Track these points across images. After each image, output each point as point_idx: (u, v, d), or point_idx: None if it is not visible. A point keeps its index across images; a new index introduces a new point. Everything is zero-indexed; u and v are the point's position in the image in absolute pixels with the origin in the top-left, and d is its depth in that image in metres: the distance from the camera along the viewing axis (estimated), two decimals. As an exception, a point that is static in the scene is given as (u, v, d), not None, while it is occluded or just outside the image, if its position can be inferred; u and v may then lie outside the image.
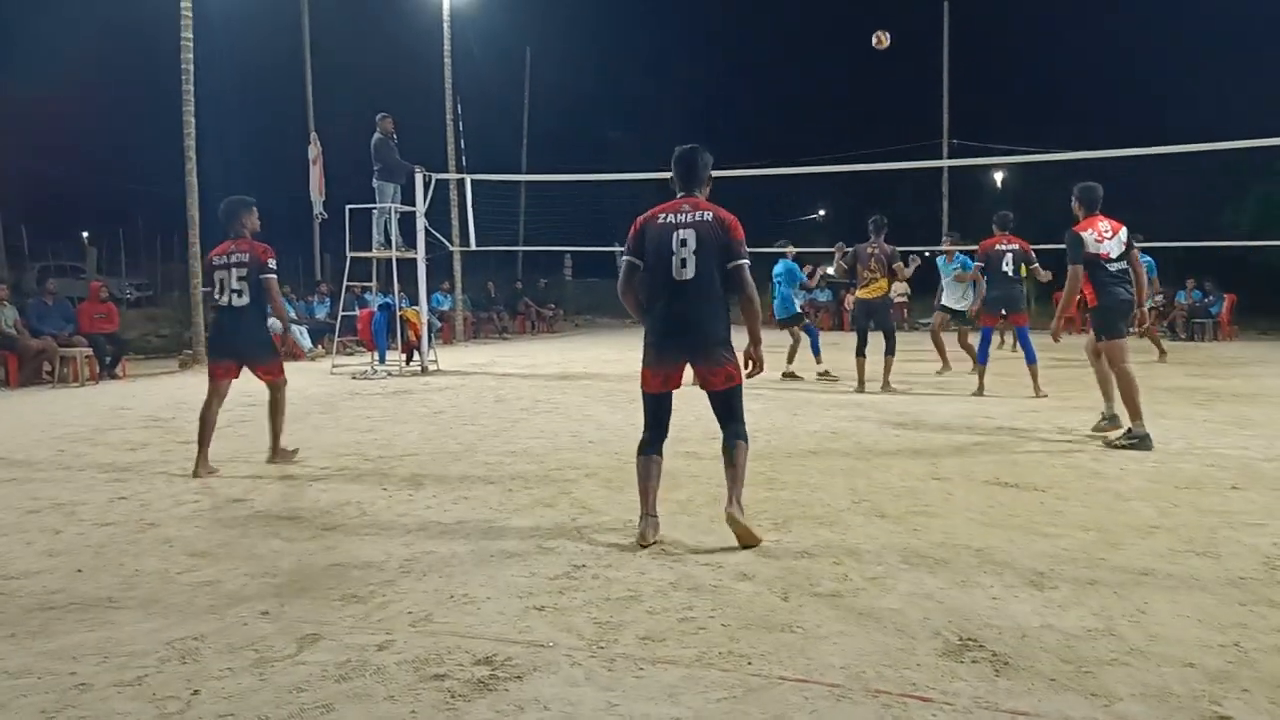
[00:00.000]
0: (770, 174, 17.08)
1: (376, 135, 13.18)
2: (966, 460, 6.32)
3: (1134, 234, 7.30)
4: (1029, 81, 35.27)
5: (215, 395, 6.35)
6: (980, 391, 9.74)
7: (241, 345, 6.36)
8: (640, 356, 4.57)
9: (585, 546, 4.32)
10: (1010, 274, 9.78)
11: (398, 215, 13.34)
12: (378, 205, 13.24)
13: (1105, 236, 7.01)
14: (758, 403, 9.36)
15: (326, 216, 17.27)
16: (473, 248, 15.26)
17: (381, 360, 13.61)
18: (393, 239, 13.32)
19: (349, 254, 13.59)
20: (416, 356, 13.76)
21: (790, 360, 11.74)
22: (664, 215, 4.46)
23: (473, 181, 14.62)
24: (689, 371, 4.57)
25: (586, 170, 18.06)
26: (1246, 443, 6.88)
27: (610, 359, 14.44)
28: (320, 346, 16.65)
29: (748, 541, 4.27)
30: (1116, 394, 7.07)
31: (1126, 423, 6.85)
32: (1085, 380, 11.19)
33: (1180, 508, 4.96)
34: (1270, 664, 2.93)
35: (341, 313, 14.41)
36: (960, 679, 2.84)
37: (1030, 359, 9.69)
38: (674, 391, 4.54)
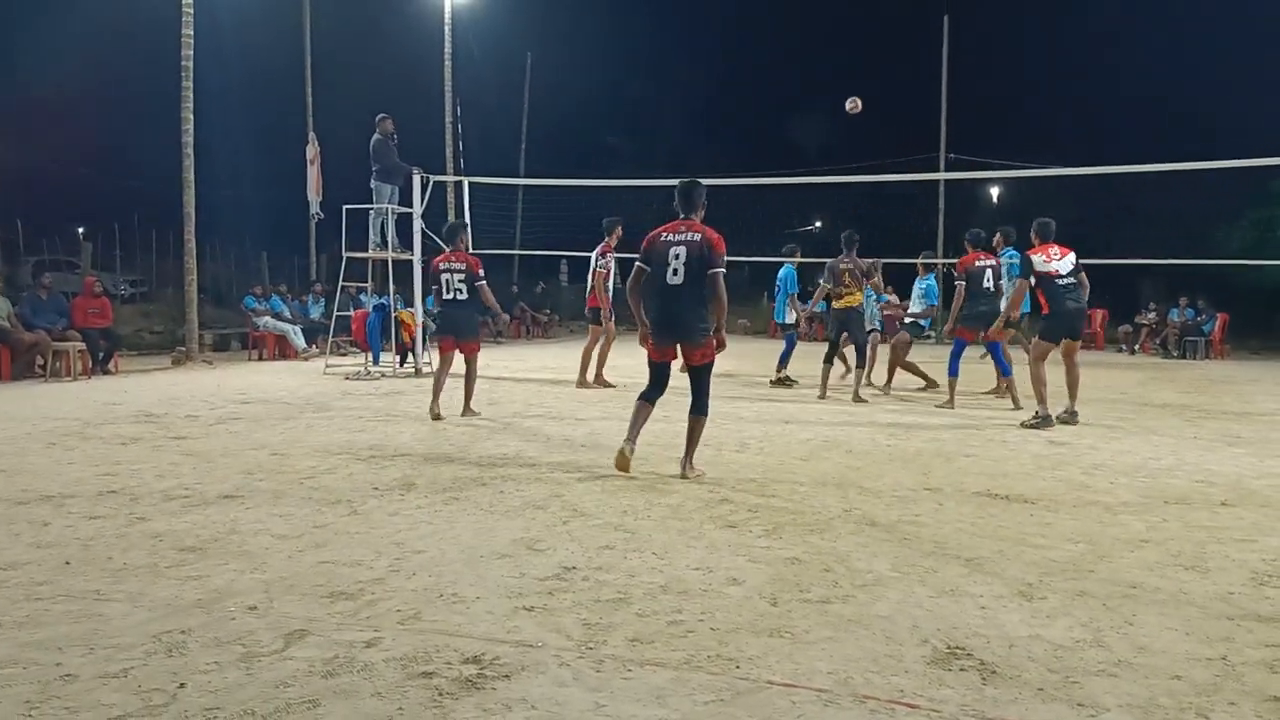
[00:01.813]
0: (766, 184, 17.12)
1: (376, 136, 13.17)
2: (957, 471, 6.33)
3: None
4: (1027, 97, 35.42)
5: (445, 363, 8.79)
6: (951, 404, 9.76)
7: (460, 329, 8.68)
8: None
9: (576, 549, 4.32)
10: (990, 290, 9.82)
11: (395, 216, 13.33)
12: (375, 206, 13.23)
13: (1054, 258, 8.48)
14: (750, 410, 9.37)
15: (323, 216, 17.26)
16: (470, 251, 15.21)
17: (375, 361, 13.58)
18: (389, 240, 13.31)
19: (345, 254, 13.57)
20: (410, 358, 13.74)
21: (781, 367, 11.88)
22: (666, 234, 5.85)
23: (470, 184, 14.61)
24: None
25: (585, 175, 18.08)
26: (1237, 460, 6.91)
27: (607, 365, 14.42)
28: (314, 346, 16.63)
29: (621, 467, 5.93)
30: (1073, 390, 8.62)
31: (1094, 418, 6.90)
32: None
33: (1169, 522, 4.98)
34: (1256, 678, 2.94)
35: (336, 313, 14.39)
36: (948, 687, 2.85)
37: (1005, 372, 9.94)
38: (671, 361, 6.01)
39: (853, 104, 11.68)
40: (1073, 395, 8.73)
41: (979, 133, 28.89)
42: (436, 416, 8.48)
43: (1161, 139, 24.53)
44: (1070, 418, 8.60)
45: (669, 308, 5.82)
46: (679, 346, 5.91)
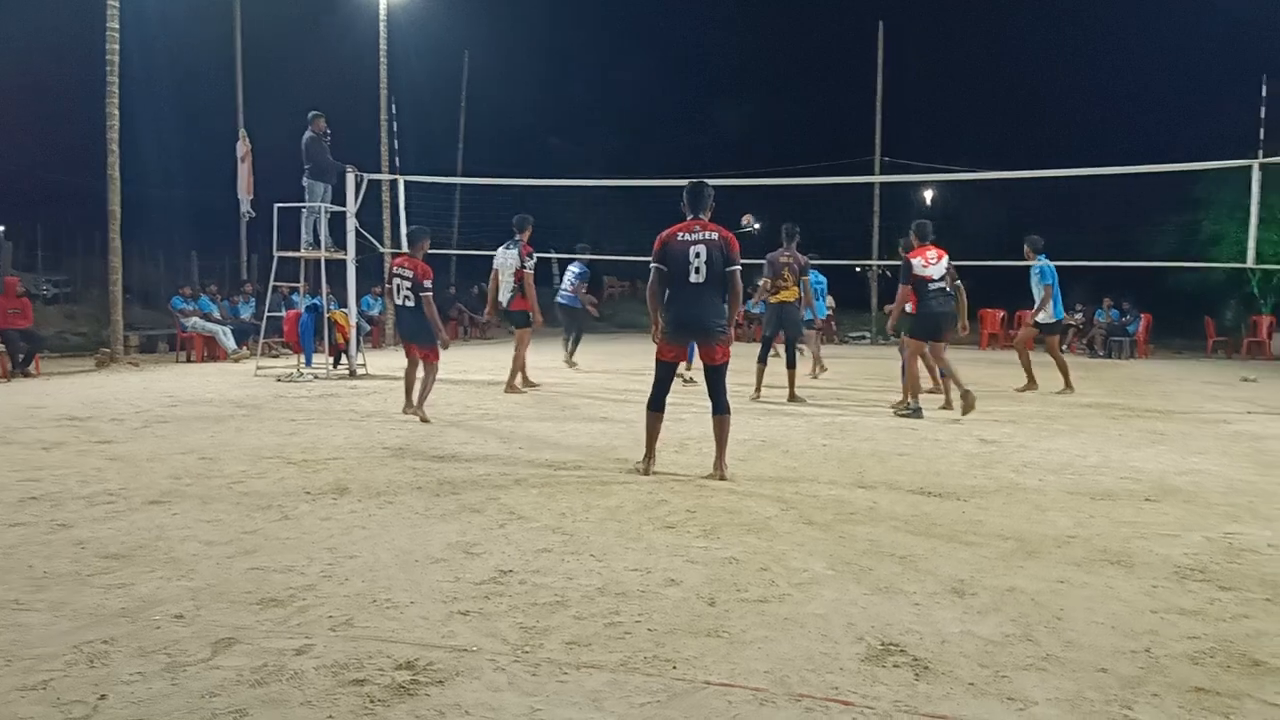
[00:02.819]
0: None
1: (308, 134, 12.94)
2: (891, 470, 6.42)
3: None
4: (961, 101, 36.10)
5: (411, 363, 8.97)
6: (949, 404, 9.81)
7: (414, 335, 8.73)
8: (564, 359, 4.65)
9: (513, 552, 4.28)
10: (944, 288, 9.87)
11: (328, 215, 13.11)
12: (307, 205, 13.00)
13: (930, 262, 9.03)
14: (688, 412, 9.40)
15: (254, 215, 16.90)
16: (405, 250, 15.03)
17: (308, 363, 13.35)
18: (322, 239, 13.08)
19: (276, 254, 13.32)
20: (344, 360, 13.53)
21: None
22: (682, 234, 5.89)
23: (406, 183, 14.43)
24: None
25: (525, 175, 17.95)
26: (1160, 457, 7.11)
27: (544, 366, 14.35)
28: (245, 348, 16.28)
29: (644, 472, 6.01)
30: (954, 377, 9.17)
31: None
32: (1007, 394, 11.47)
33: (1096, 519, 5.10)
34: (1179, 670, 3.02)
35: (267, 313, 14.11)
36: (881, 683, 2.88)
37: (943, 373, 9.99)
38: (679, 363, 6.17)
39: (748, 221, 11.86)
40: (946, 389, 9.55)
41: (913, 136, 29.38)
42: (410, 412, 8.66)
43: (1091, 145, 25.21)
44: (914, 413, 9.16)
45: (690, 308, 5.88)
46: (697, 346, 6.05)
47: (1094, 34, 32.78)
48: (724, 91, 35.74)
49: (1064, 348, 21.84)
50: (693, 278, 5.81)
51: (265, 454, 6.76)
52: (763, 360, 10.61)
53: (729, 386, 6.16)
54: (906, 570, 4.07)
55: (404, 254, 8.89)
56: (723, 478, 5.94)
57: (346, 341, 13.53)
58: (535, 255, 10.80)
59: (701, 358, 6.06)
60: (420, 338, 8.69)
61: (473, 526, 4.73)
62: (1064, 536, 4.70)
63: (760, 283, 10.91)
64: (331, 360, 13.55)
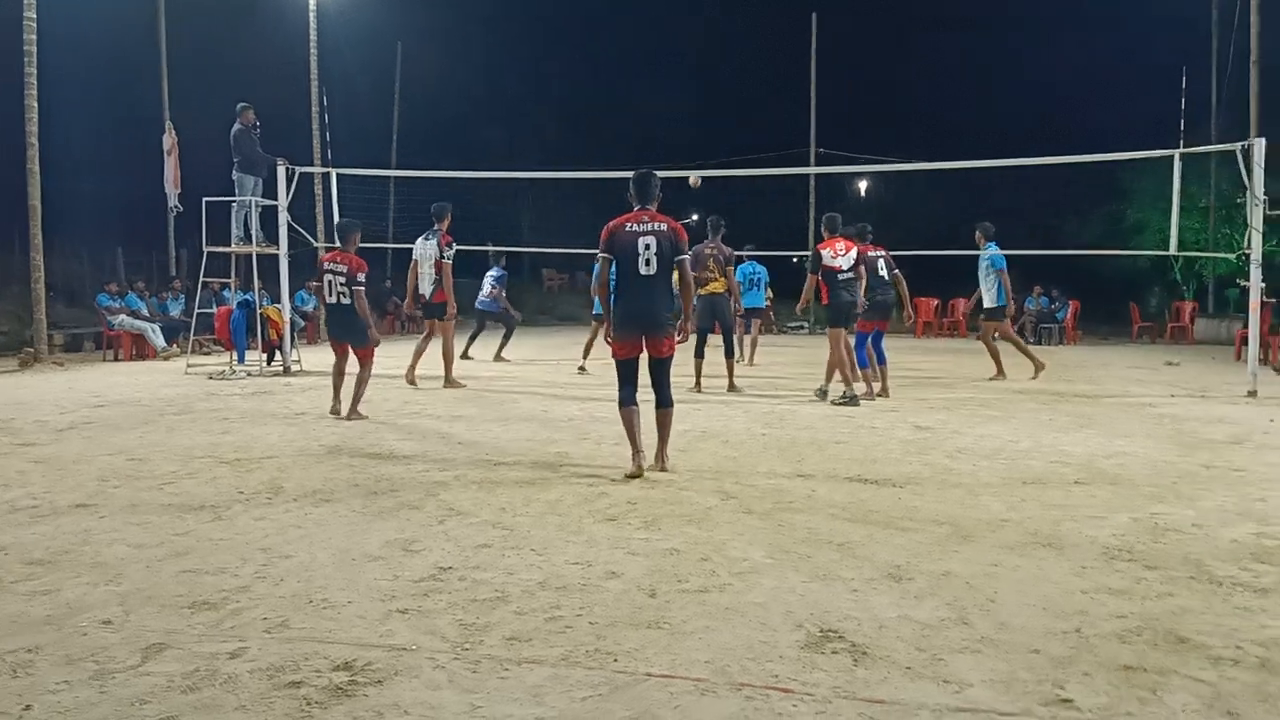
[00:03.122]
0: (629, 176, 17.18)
1: (237, 126, 12.67)
2: (829, 459, 6.49)
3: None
4: (893, 93, 36.57)
5: (340, 358, 8.65)
6: (871, 394, 9.81)
7: (348, 333, 8.45)
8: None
9: (452, 548, 4.24)
10: (885, 279, 10.05)
11: (259, 209, 12.85)
12: (237, 198, 12.73)
13: (839, 254, 9.37)
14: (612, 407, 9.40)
15: (182, 209, 16.51)
16: (338, 245, 14.80)
17: (240, 360, 13.09)
18: (253, 234, 12.82)
19: (206, 249, 13.02)
20: (278, 356, 13.28)
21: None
22: (630, 224, 5.78)
23: (339, 176, 14.19)
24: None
25: (462, 167, 17.79)
26: (1088, 441, 7.29)
27: (483, 359, 14.25)
28: (175, 345, 15.90)
29: (634, 475, 5.73)
30: (846, 371, 9.45)
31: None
32: (941, 381, 11.68)
33: (1027, 502, 5.21)
34: (1109, 648, 3.10)
35: (198, 310, 13.79)
36: (820, 670, 2.91)
37: (881, 360, 10.26)
38: (639, 356, 5.93)
39: (695, 180, 11.89)
40: (829, 376, 9.76)
41: (847, 128, 29.68)
42: (336, 412, 8.38)
43: (1023, 136, 25.71)
44: (821, 396, 9.67)
45: (640, 299, 5.78)
46: (644, 339, 5.87)
47: (1024, 26, 33.41)
48: (661, 83, 35.73)
49: (995, 334, 22.38)
50: (643, 269, 5.72)
51: (197, 454, 6.61)
52: (699, 354, 10.66)
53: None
54: (844, 557, 4.12)
55: (335, 249, 8.56)
56: (664, 469, 5.91)
57: (280, 338, 13.29)
58: (455, 245, 10.57)
59: (647, 349, 5.94)
60: (355, 336, 8.39)
61: (411, 524, 4.68)
62: (997, 520, 4.79)
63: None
64: (265, 357, 13.30)
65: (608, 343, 6.01)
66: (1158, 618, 3.38)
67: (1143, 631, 3.24)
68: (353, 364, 8.50)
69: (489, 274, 14.68)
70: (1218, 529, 4.63)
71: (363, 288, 8.29)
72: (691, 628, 3.27)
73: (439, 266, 10.39)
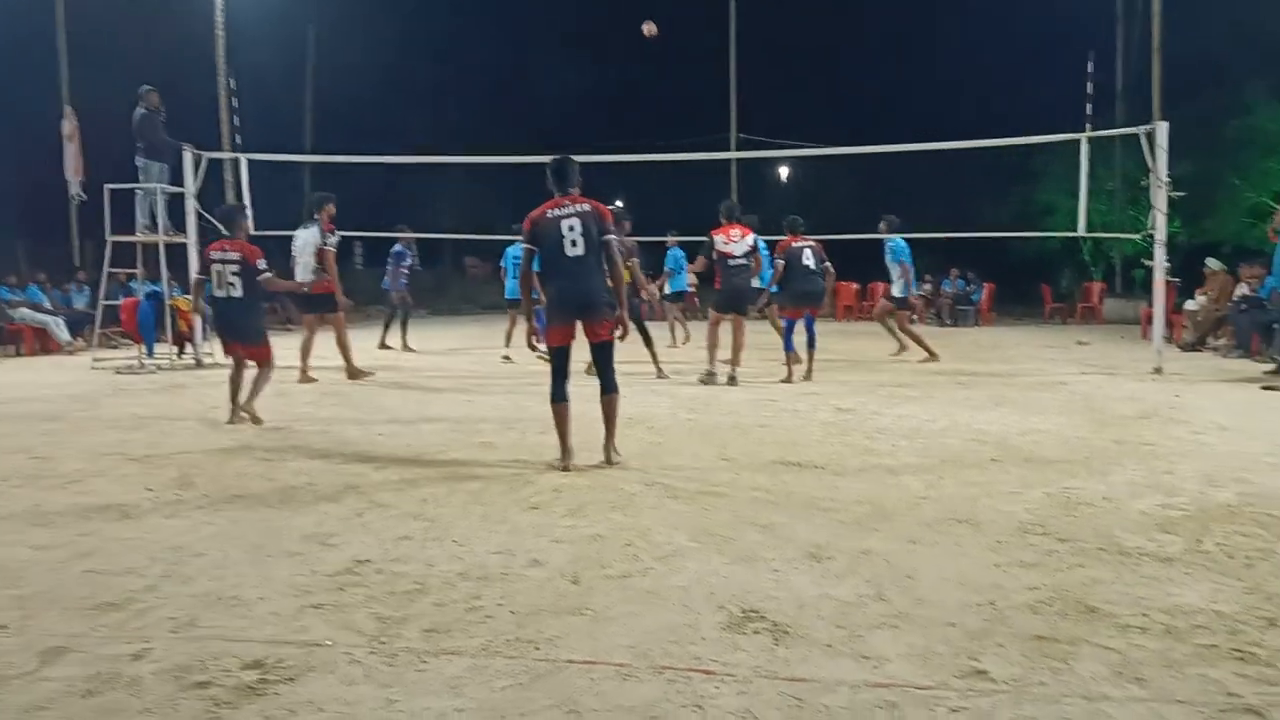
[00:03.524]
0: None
1: (140, 110, 12.20)
2: (753, 442, 6.53)
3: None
4: (814, 77, 36.93)
5: (237, 361, 7.61)
6: (790, 379, 9.93)
7: (240, 332, 7.56)
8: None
9: (371, 541, 4.15)
10: (811, 268, 10.08)
11: (165, 197, 12.41)
12: (142, 185, 12.28)
13: (733, 240, 9.58)
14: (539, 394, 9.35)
15: (85, 198, 15.84)
16: (251, 232, 14.40)
17: (149, 353, 12.65)
18: (160, 222, 12.38)
19: (110, 238, 12.55)
20: (189, 349, 12.88)
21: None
22: (551, 210, 5.63)
23: (249, 162, 13.79)
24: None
25: (378, 152, 17.43)
26: (1004, 419, 7.45)
27: (404, 349, 14.04)
28: (80, 339, 15.32)
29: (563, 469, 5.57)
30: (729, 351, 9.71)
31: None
32: (862, 364, 11.86)
33: (945, 480, 5.31)
34: (1022, 620, 3.17)
35: (103, 302, 13.29)
36: (742, 650, 2.91)
37: (811, 344, 10.32)
38: (571, 345, 5.70)
39: (649, 28, 11.79)
40: (735, 360, 9.82)
41: (768, 113, 29.89)
42: (238, 419, 7.43)
43: (939, 121, 26.18)
44: (731, 381, 9.69)
45: (572, 282, 5.56)
46: (582, 323, 5.63)
47: (938, 14, 34.00)
48: (581, 67, 35.52)
49: (912, 320, 22.83)
50: (569, 250, 5.54)
51: (104, 451, 6.37)
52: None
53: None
54: (766, 538, 4.14)
55: (222, 239, 7.69)
56: (611, 461, 5.70)
57: (191, 329, 12.88)
58: (338, 233, 10.11)
59: (585, 334, 5.70)
60: (248, 335, 7.51)
61: (329, 517, 4.57)
62: (915, 499, 4.87)
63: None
64: (175, 350, 12.89)
65: (530, 346, 5.86)
66: (1069, 589, 3.46)
67: (1054, 603, 3.32)
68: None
69: (391, 250, 14.50)
70: (1127, 501, 4.77)
71: (270, 272, 7.51)
72: (614, 613, 3.25)
73: (321, 254, 9.80)
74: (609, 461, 5.69)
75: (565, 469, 5.57)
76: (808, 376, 10.06)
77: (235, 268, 7.35)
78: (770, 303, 11.22)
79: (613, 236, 5.68)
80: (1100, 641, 2.97)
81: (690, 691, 2.63)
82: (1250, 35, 22.54)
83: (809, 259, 10.12)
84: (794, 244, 10.20)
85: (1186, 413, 7.73)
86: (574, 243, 5.55)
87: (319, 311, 10.22)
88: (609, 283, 5.68)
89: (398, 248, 14.44)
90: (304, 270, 9.88)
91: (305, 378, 10.11)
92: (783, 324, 10.61)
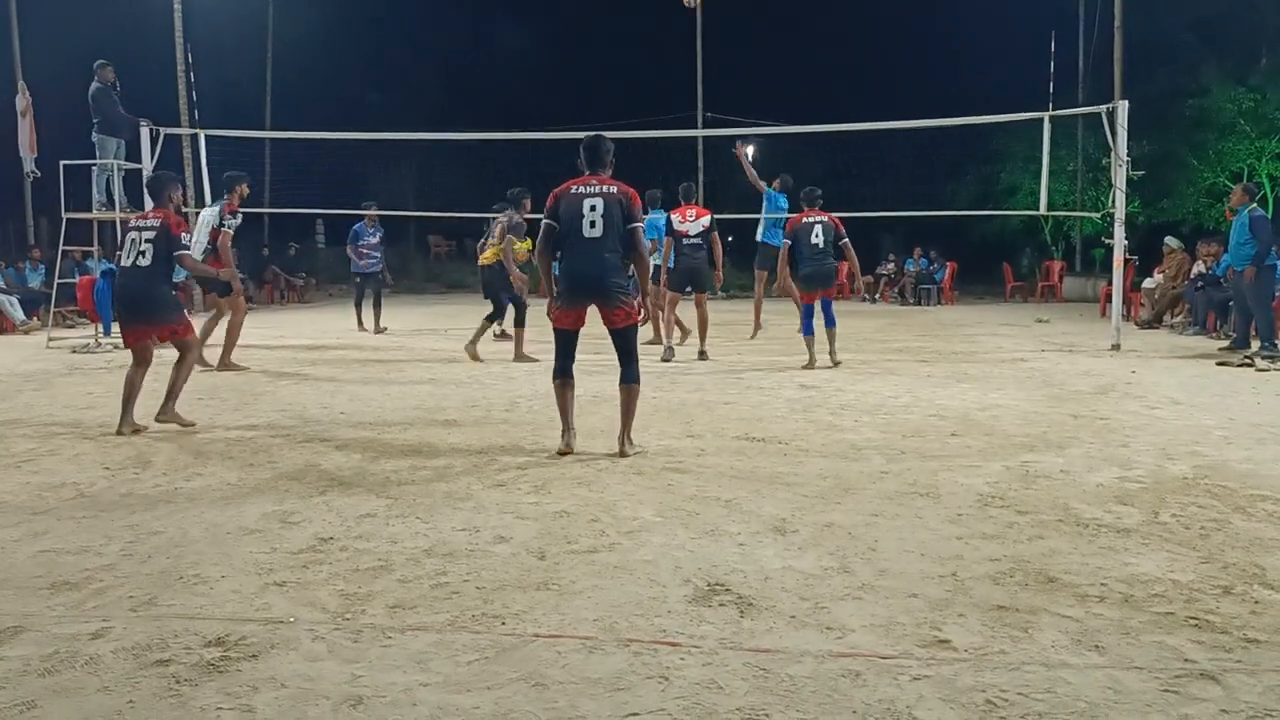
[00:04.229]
0: (525, 139, 16.90)
1: (95, 85, 11.92)
2: (718, 419, 6.55)
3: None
4: (778, 57, 36.89)
5: (137, 362, 6.44)
6: (811, 364, 9.14)
7: (144, 309, 6.37)
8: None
9: (334, 519, 4.12)
10: (820, 246, 9.16)
11: (122, 173, 12.17)
12: (98, 162, 12.03)
13: (688, 219, 9.97)
14: (520, 369, 9.32)
15: (39, 174, 15.48)
16: (183, 208, 14.16)
17: (106, 332, 12.41)
18: (116, 199, 12.14)
19: (66, 215, 12.30)
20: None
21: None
22: (576, 187, 5.40)
23: (208, 138, 13.55)
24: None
25: (340, 128, 17.19)
26: (964, 395, 7.53)
27: (367, 329, 13.90)
28: (35, 318, 15.02)
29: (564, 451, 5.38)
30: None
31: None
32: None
33: (907, 455, 5.36)
34: (982, 590, 3.21)
35: (59, 280, 13.03)
36: (708, 623, 2.93)
37: (830, 323, 9.40)
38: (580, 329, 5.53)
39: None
40: (702, 337, 10.11)
41: (735, 91, 29.82)
42: (134, 431, 6.17)
43: (902, 100, 26.30)
44: (701, 356, 9.92)
45: (587, 263, 5.29)
46: (598, 308, 5.36)
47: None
48: (544, 44, 35.23)
49: (877, 295, 23.00)
50: (587, 231, 5.27)
51: (58, 430, 6.26)
52: (488, 320, 10.36)
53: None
54: (731, 513, 4.16)
55: (146, 210, 6.79)
56: (625, 453, 5.35)
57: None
58: (241, 214, 9.28)
59: (603, 322, 5.46)
60: (158, 314, 6.34)
61: (290, 495, 4.53)
62: (878, 473, 4.91)
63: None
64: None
65: (550, 317, 5.52)
66: (1028, 560, 3.51)
67: (1014, 573, 3.36)
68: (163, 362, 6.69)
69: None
70: (1084, 474, 4.84)
71: (187, 250, 6.47)
72: (580, 587, 3.25)
73: (215, 235, 8.93)
74: (622, 454, 5.34)
75: (567, 447, 5.39)
76: (833, 359, 9.32)
77: (151, 234, 6.24)
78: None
79: (639, 224, 5.41)
80: (1059, 610, 3.02)
81: (656, 663, 2.64)
82: (1206, 16, 22.83)
83: (818, 237, 9.21)
84: (803, 220, 9.37)
85: (1142, 388, 7.86)
86: (593, 223, 5.28)
87: (214, 292, 9.58)
88: (626, 268, 5.51)
89: (356, 226, 14.27)
90: (196, 250, 8.55)
91: (233, 363, 9.39)
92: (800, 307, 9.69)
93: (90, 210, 12.34)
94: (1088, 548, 3.66)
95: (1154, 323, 14.39)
